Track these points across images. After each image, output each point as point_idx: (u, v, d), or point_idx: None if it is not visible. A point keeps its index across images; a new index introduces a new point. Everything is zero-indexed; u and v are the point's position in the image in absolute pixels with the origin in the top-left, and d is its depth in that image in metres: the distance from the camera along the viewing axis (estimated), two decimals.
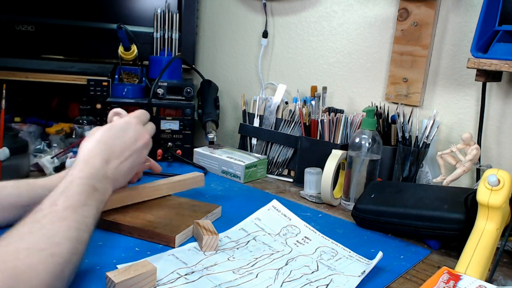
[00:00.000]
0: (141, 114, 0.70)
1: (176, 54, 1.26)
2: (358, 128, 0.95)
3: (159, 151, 1.11)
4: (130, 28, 1.16)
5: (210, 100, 1.23)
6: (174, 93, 1.19)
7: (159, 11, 1.22)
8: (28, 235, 0.47)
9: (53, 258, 0.46)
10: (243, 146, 1.19)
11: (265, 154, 1.14)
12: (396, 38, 1.00)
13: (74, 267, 0.50)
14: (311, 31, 1.17)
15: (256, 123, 1.16)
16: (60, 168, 0.96)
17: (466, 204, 0.69)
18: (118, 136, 0.65)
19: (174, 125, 1.15)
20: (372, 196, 0.82)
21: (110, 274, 0.52)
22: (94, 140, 0.63)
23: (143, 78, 1.24)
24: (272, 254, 0.67)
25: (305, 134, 1.04)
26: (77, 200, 0.53)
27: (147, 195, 0.78)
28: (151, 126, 0.72)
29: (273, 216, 0.78)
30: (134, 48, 1.19)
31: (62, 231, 0.49)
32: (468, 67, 0.80)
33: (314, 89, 1.11)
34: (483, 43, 0.79)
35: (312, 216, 0.85)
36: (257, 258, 0.65)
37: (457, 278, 0.55)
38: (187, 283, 0.56)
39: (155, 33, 1.23)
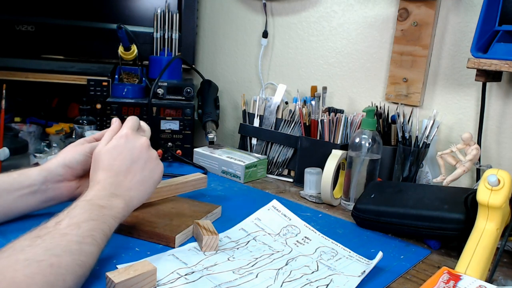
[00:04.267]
0: (131, 122, 0.69)
1: (176, 54, 1.26)
2: (358, 128, 0.95)
3: (159, 151, 1.11)
4: (130, 28, 1.16)
5: (210, 100, 1.23)
6: (174, 93, 1.19)
7: (159, 11, 1.22)
8: (28, 247, 0.47)
9: (52, 268, 0.46)
10: (243, 146, 1.19)
11: (265, 154, 1.14)
12: (396, 38, 1.00)
13: (79, 279, 0.50)
14: (311, 31, 1.17)
15: (256, 123, 1.16)
16: None
17: (466, 204, 0.69)
18: (115, 156, 0.64)
19: (174, 125, 1.15)
20: (372, 196, 0.82)
21: (110, 274, 0.52)
22: (97, 167, 0.64)
23: (143, 78, 1.24)
24: (272, 254, 0.67)
25: (305, 134, 1.04)
26: (80, 218, 0.54)
27: (149, 198, 0.78)
28: (146, 127, 0.72)
29: (273, 216, 0.78)
30: (134, 48, 1.19)
31: (62, 245, 0.49)
32: (468, 67, 0.80)
33: (314, 89, 1.11)
34: (483, 43, 0.79)
35: (312, 216, 0.85)
36: (257, 258, 0.65)
37: (457, 278, 0.55)
38: (187, 283, 0.56)
39: (155, 33, 1.23)
